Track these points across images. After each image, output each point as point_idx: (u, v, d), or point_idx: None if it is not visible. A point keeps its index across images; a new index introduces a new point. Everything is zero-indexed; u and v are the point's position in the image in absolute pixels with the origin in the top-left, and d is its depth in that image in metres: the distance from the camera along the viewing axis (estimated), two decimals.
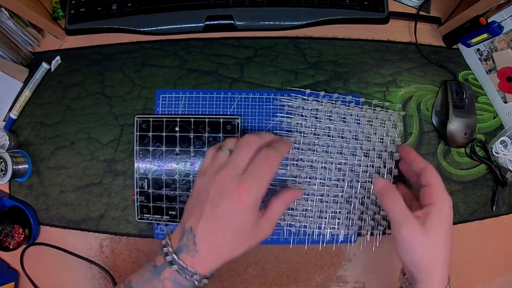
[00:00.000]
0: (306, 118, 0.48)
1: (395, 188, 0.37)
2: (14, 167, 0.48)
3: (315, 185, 0.47)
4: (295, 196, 0.38)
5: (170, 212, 0.48)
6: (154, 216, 0.48)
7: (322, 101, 0.48)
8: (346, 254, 0.49)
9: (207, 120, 0.48)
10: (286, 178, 0.47)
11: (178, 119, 0.48)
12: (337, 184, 0.47)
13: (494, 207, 0.50)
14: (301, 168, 0.47)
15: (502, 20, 0.45)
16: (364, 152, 0.47)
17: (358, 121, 0.48)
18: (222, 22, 0.47)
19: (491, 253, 0.50)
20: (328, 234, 0.47)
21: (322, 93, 0.49)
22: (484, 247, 0.50)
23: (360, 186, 0.47)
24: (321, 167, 0.47)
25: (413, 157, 0.40)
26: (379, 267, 0.49)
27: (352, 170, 0.47)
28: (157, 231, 0.49)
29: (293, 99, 0.48)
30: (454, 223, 0.49)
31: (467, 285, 0.49)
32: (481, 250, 0.50)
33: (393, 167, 0.46)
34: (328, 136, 0.48)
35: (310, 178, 0.47)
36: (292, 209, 0.47)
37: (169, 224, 0.49)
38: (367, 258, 0.49)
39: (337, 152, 0.47)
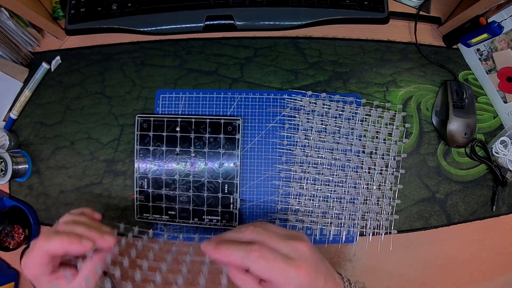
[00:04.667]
0: (311, 118, 0.48)
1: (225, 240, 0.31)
2: (14, 167, 0.48)
3: (319, 186, 0.47)
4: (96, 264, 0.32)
5: (169, 212, 0.48)
6: (154, 215, 0.48)
7: (326, 102, 0.48)
8: (346, 254, 0.49)
9: (208, 120, 0.48)
10: (290, 178, 0.47)
11: (179, 119, 0.48)
12: (341, 185, 0.47)
13: (494, 207, 0.50)
14: (305, 169, 0.47)
15: (502, 20, 0.45)
16: (367, 153, 0.47)
17: (362, 122, 0.48)
18: (222, 22, 0.47)
19: (491, 253, 0.50)
20: (330, 235, 0.47)
21: (324, 94, 0.49)
22: (484, 247, 0.50)
23: (363, 187, 0.47)
24: (325, 167, 0.47)
25: (226, 257, 0.31)
26: (379, 267, 0.49)
27: (356, 171, 0.47)
28: (157, 231, 0.49)
29: (299, 99, 0.49)
30: (455, 223, 0.49)
31: (467, 285, 0.49)
32: (481, 250, 0.50)
33: (395, 169, 0.47)
34: (333, 136, 0.48)
35: (314, 179, 0.47)
36: (296, 210, 0.47)
37: (168, 224, 0.49)
38: (367, 258, 0.49)
39: (341, 153, 0.48)
